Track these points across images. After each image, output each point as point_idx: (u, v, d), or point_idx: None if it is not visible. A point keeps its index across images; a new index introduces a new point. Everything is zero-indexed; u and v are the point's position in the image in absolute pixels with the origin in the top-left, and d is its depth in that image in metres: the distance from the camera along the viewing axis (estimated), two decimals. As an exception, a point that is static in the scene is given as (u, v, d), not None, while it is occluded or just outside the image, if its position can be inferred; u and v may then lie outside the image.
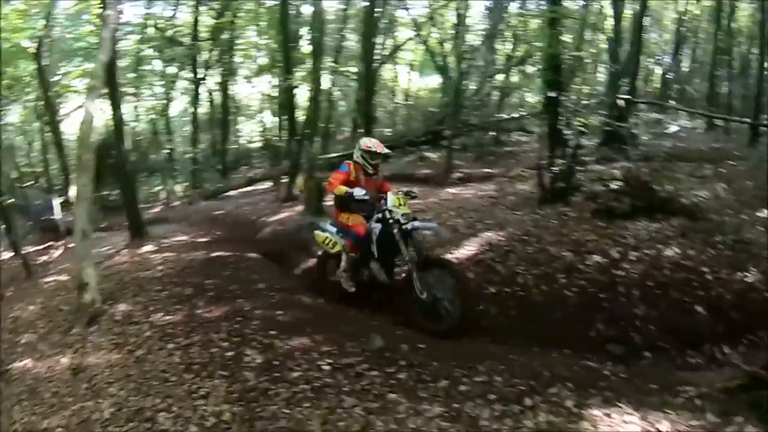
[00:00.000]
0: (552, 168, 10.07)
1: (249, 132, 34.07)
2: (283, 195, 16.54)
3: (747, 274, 6.97)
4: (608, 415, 4.41)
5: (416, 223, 7.44)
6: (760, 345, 6.21)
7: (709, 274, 6.98)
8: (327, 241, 8.22)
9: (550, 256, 7.76)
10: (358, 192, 7.41)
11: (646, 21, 21.69)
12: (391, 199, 7.41)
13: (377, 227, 7.56)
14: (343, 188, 7.58)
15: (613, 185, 9.10)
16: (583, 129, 10.30)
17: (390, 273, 7.75)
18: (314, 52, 17.11)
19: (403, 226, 7.27)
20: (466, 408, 4.73)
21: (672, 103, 21.35)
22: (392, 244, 7.34)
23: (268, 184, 20.34)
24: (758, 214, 8.52)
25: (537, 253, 7.89)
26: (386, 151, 8.22)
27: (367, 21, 13.69)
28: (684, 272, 7.06)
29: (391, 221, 7.32)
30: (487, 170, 15.20)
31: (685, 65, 28.27)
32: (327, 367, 5.64)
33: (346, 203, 7.84)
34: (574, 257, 7.52)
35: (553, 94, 10.45)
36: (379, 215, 7.51)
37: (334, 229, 8.22)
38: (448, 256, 8.24)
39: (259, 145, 31.39)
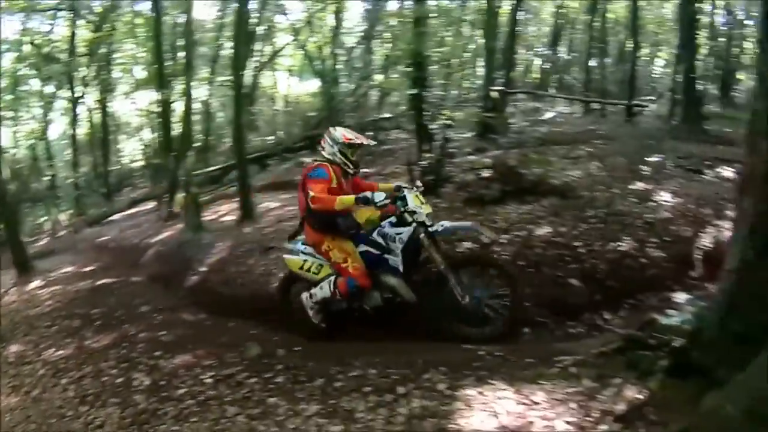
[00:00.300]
0: (420, 162, 9.97)
1: (131, 151, 33.18)
2: (164, 214, 15.95)
3: (621, 243, 7.13)
4: (481, 393, 4.45)
5: (446, 224, 6.39)
6: (640, 308, 6.35)
7: (582, 248, 7.05)
8: (306, 268, 6.67)
9: None
10: (379, 197, 5.92)
11: (526, 15, 22.26)
12: (411, 198, 6.25)
13: (400, 235, 6.26)
14: (349, 198, 6.05)
15: (484, 173, 9.02)
16: (449, 122, 10.26)
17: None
18: (186, 63, 16.72)
19: (430, 230, 6.22)
20: (342, 403, 4.82)
21: (550, 91, 21.95)
22: (416, 253, 6.35)
23: (152, 204, 19.57)
24: (630, 186, 8.72)
25: None
26: (371, 141, 7.17)
27: (238, 27, 13.28)
28: (556, 248, 7.12)
29: (415, 225, 6.18)
30: (365, 170, 14.98)
31: (565, 55, 28.99)
32: (210, 380, 5.78)
33: (329, 223, 6.28)
34: (446, 246, 7.25)
35: (415, 91, 10.39)
36: (391, 220, 6.34)
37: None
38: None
39: (141, 163, 30.44)
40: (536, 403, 4.19)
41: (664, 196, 8.32)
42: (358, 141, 6.47)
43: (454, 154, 11.27)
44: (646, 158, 10.23)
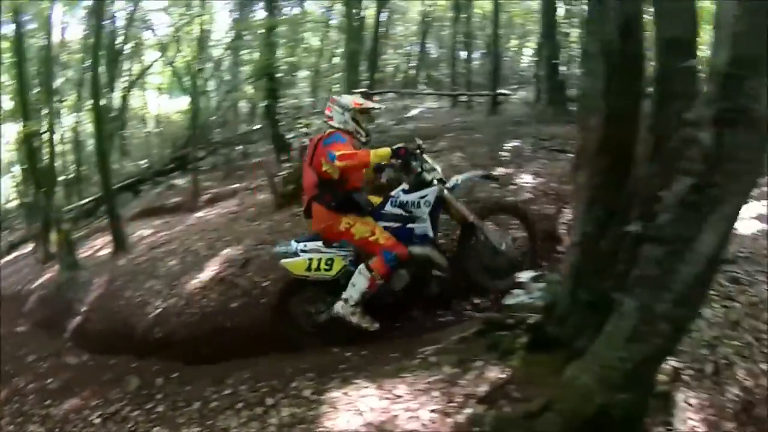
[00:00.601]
0: (279, 173, 10.02)
1: (4, 190, 31.70)
2: (41, 256, 15.16)
3: None
4: (346, 394, 4.50)
5: (460, 177, 6.18)
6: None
7: (442, 238, 6.85)
8: (315, 266, 5.93)
9: None
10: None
11: (393, 16, 22.47)
12: (428, 158, 6.00)
13: (425, 197, 5.82)
14: (384, 150, 5.61)
15: None
16: (306, 130, 10.24)
17: None
18: (46, 89, 16.08)
19: (449, 185, 5.96)
20: (218, 422, 4.85)
21: (420, 87, 22.16)
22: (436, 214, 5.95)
23: (30, 246, 18.70)
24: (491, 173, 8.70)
25: (273, 259, 7.43)
26: (378, 106, 6.67)
27: (95, 47, 12.86)
28: None
29: (438, 184, 5.86)
30: (234, 186, 14.89)
31: (433, 52, 29.42)
32: (98, 420, 5.80)
33: (347, 200, 5.82)
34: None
35: (267, 103, 10.37)
36: (404, 187, 5.92)
37: (316, 243, 6.01)
38: (194, 282, 8.11)
39: (16, 203, 28.99)
40: (399, 397, 4.21)
41: (525, 178, 8.44)
42: (368, 105, 6.14)
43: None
44: (506, 144, 10.40)
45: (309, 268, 5.90)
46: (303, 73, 26.58)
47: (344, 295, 5.83)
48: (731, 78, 2.75)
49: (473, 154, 10.19)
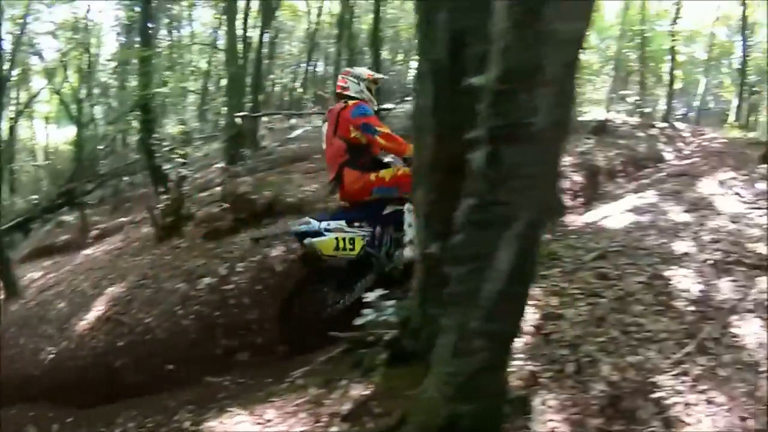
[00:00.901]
0: (158, 205, 9.87)
1: None
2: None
3: None
4: (222, 423, 4.48)
5: None
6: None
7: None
8: (342, 246, 5.89)
9: (167, 293, 7.63)
10: None
11: (280, 35, 22.33)
12: None
13: None
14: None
15: (222, 205, 9.17)
16: (183, 160, 10.10)
17: None
18: None
19: None
20: None
21: (308, 106, 22.13)
22: None
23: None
24: None
25: (155, 294, 7.72)
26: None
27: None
28: (287, 264, 7.34)
29: None
30: (122, 220, 14.57)
31: (320, 69, 29.58)
32: None
33: (377, 162, 6.11)
34: (187, 286, 7.46)
35: (141, 135, 10.19)
36: None
37: (339, 222, 5.98)
38: (82, 324, 7.97)
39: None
40: (269, 421, 4.26)
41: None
42: (378, 76, 6.41)
43: (193, 191, 11.16)
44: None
45: (337, 248, 5.87)
46: (191, 98, 26.34)
47: (406, 239, 5.87)
48: (503, 93, 2.71)
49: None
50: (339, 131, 5.93)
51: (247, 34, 17.49)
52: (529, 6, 2.56)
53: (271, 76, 24.61)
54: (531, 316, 4.52)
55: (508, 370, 3.61)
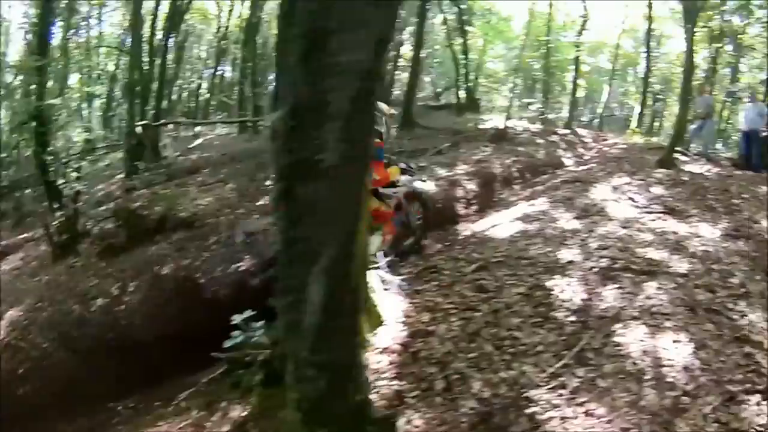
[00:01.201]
0: (54, 222, 9.58)
1: None
2: None
3: (242, 264, 7.29)
4: None
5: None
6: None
7: (202, 277, 7.19)
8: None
9: (63, 315, 7.39)
10: None
11: (189, 39, 21.92)
12: None
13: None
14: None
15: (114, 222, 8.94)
16: (77, 174, 9.78)
17: None
18: None
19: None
20: None
21: (216, 113, 21.79)
22: None
23: None
24: (259, 203, 8.98)
25: (52, 317, 7.45)
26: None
27: None
28: (182, 282, 7.24)
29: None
30: (24, 235, 13.97)
31: (228, 75, 29.23)
32: None
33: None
34: (81, 308, 7.28)
35: (34, 149, 9.83)
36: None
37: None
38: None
39: None
40: None
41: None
42: (393, 112, 6.89)
43: (88, 206, 10.78)
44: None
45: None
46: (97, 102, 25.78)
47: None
48: (294, 129, 2.68)
49: (244, 186, 10.29)
50: None
51: (155, 37, 17.09)
52: (315, 38, 2.54)
53: (179, 82, 24.10)
54: (398, 334, 4.51)
55: (372, 390, 3.64)
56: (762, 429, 3.60)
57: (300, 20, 2.54)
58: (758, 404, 3.79)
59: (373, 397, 3.66)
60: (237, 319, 4.84)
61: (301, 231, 2.82)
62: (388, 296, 5.10)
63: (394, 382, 3.89)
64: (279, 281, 2.99)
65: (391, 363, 4.14)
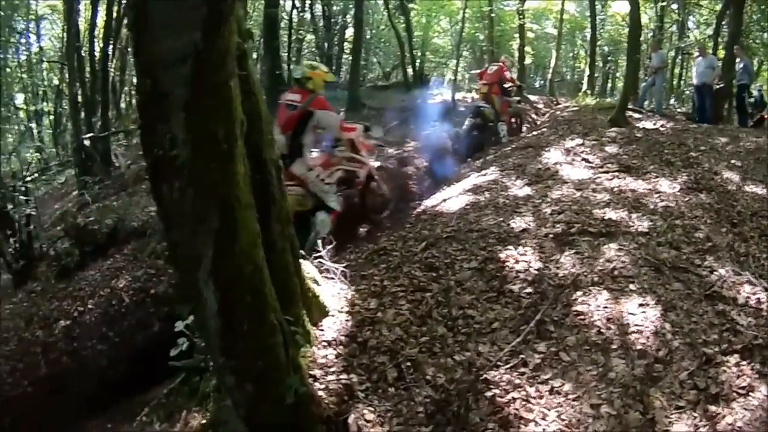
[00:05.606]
0: (9, 249, 9.25)
1: None
2: None
3: None
4: None
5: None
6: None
7: (157, 285, 7.09)
8: None
9: (27, 343, 7.07)
10: None
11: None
12: None
13: None
14: None
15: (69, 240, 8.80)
16: (26, 198, 9.54)
17: None
18: None
19: None
20: None
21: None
22: None
23: None
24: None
25: (18, 345, 7.09)
26: None
27: None
28: (138, 293, 7.11)
29: None
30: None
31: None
32: None
33: None
34: (44, 333, 7.01)
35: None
36: None
37: None
38: None
39: None
40: None
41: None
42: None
43: (40, 229, 10.46)
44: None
45: None
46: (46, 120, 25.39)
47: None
48: (145, 128, 2.57)
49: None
50: None
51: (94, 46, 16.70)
52: (139, 26, 2.37)
53: (126, 89, 23.63)
54: (344, 324, 4.39)
55: (319, 386, 3.56)
56: (744, 392, 3.50)
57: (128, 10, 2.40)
58: (737, 365, 3.75)
59: (320, 394, 3.52)
60: (180, 325, 4.67)
61: (176, 234, 2.69)
62: (331, 285, 4.94)
63: (343, 376, 3.74)
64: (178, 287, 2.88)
65: (338, 356, 3.98)
